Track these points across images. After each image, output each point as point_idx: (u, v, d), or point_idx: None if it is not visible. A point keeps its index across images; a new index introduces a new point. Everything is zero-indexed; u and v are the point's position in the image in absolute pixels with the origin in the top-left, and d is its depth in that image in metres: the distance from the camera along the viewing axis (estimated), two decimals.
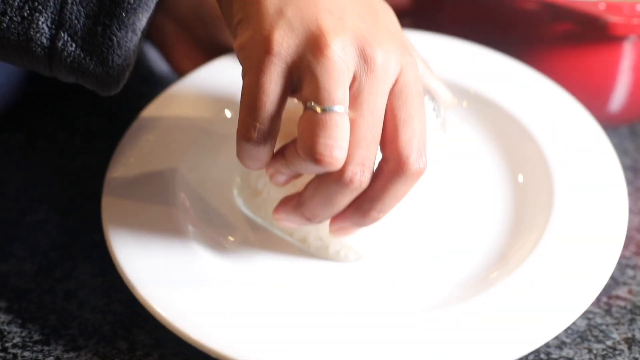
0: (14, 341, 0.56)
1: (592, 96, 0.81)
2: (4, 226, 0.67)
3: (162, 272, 0.54)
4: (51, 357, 0.54)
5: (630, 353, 0.57)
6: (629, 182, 0.79)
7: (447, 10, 0.85)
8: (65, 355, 0.55)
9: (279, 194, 0.57)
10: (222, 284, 0.54)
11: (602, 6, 0.75)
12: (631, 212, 0.74)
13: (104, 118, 0.85)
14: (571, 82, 0.80)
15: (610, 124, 0.87)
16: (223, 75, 0.69)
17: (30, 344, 0.55)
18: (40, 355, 0.55)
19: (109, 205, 0.59)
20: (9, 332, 0.56)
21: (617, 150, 0.84)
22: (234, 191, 0.61)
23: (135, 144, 0.64)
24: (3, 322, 0.57)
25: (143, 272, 0.54)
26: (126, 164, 0.62)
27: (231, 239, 0.59)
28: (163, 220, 0.58)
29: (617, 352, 0.58)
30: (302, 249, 0.58)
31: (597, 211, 0.59)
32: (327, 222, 0.54)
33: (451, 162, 0.62)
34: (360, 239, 0.56)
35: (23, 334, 0.56)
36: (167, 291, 0.53)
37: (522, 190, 0.63)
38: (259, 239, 0.59)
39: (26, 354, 0.55)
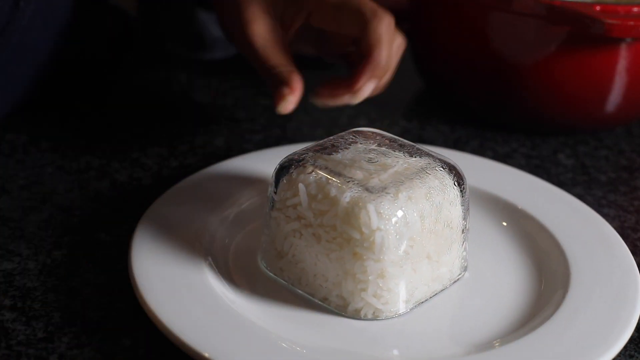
0: (19, 339, 0.56)
1: (589, 97, 0.82)
2: (9, 225, 0.67)
3: (190, 320, 0.55)
4: (55, 355, 0.55)
5: (626, 350, 0.58)
6: (625, 182, 0.80)
7: (444, 14, 0.86)
8: (69, 353, 0.55)
9: (303, 255, 0.58)
10: (243, 333, 0.55)
11: (598, 8, 0.75)
12: (627, 211, 0.74)
13: (107, 119, 0.86)
14: (568, 83, 0.81)
15: (606, 125, 0.88)
16: (255, 164, 0.73)
17: (35, 342, 0.56)
18: (44, 353, 0.55)
19: (138, 251, 0.61)
20: (13, 330, 0.57)
21: (613, 151, 0.85)
22: (258, 256, 0.63)
23: (167, 205, 0.66)
24: (8, 320, 0.57)
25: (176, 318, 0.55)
26: (156, 221, 0.64)
27: (254, 295, 0.60)
28: (190, 272, 0.59)
29: None
30: (323, 307, 0.59)
31: (610, 293, 0.60)
32: (348, 282, 0.57)
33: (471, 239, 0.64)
34: (380, 298, 0.57)
35: (27, 332, 0.57)
36: (194, 336, 0.54)
37: (539, 265, 0.64)
38: (281, 297, 0.60)
39: (30, 351, 0.55)
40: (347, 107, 0.90)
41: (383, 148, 0.61)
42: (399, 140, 0.63)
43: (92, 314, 0.58)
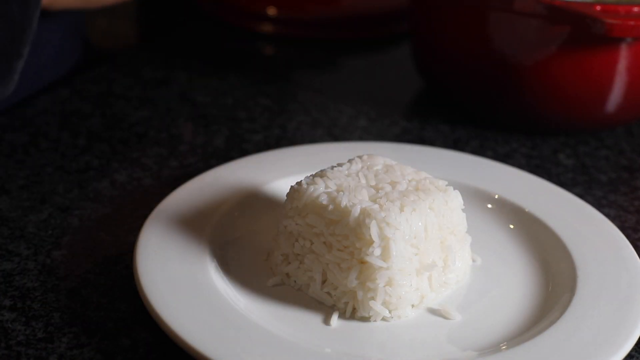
0: (18, 339, 0.56)
1: (589, 97, 0.82)
2: (8, 225, 0.67)
3: (194, 322, 0.55)
4: (55, 355, 0.55)
5: None
6: (625, 182, 0.80)
7: (444, 14, 0.85)
8: (68, 353, 0.55)
9: (312, 263, 0.59)
10: (247, 334, 0.55)
11: (599, 8, 0.75)
12: (627, 211, 0.74)
13: (106, 119, 0.86)
14: (569, 83, 0.81)
15: (607, 125, 0.88)
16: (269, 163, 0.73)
17: (34, 342, 0.56)
18: (44, 353, 0.55)
19: (144, 248, 0.61)
20: (13, 330, 0.57)
21: (614, 151, 0.85)
22: (265, 259, 0.63)
23: (171, 207, 0.66)
24: (7, 320, 0.57)
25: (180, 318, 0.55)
26: (160, 223, 0.64)
27: (259, 297, 0.60)
28: (195, 274, 0.59)
29: None
30: (330, 310, 0.59)
31: (615, 300, 0.59)
32: (358, 291, 0.57)
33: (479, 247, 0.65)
34: (389, 305, 0.58)
35: (27, 332, 0.57)
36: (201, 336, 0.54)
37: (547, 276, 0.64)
38: (287, 299, 0.60)
39: (30, 351, 0.55)
40: (346, 108, 0.90)
41: (387, 172, 0.62)
42: (401, 165, 0.64)
43: (92, 314, 0.58)
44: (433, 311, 0.60)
